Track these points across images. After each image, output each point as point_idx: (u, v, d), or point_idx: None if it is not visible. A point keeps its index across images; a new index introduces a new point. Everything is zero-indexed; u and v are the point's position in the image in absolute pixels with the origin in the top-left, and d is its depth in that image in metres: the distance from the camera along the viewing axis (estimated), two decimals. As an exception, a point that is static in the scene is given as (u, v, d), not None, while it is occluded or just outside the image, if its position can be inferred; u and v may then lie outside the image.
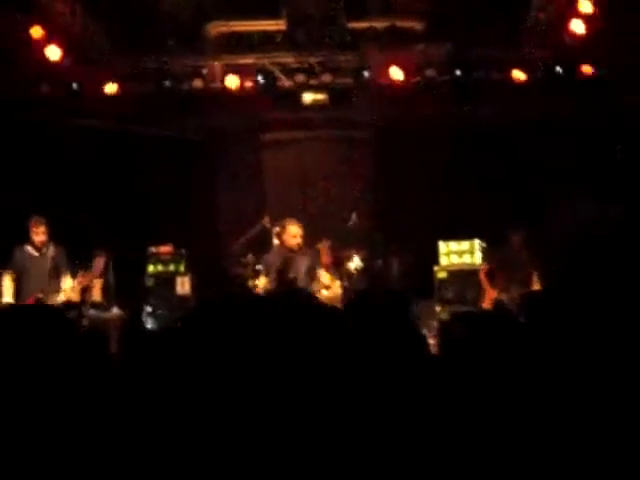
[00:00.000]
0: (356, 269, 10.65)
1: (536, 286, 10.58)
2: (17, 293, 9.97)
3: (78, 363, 3.84)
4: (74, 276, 10.09)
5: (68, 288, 9.97)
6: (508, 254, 11.05)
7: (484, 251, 12.32)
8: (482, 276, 11.15)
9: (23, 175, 12.13)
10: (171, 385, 3.28)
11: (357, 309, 4.09)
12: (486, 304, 10.71)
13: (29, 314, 3.95)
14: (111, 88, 12.44)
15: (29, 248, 10.13)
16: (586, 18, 11.34)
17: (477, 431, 2.90)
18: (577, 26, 11.60)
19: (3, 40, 11.03)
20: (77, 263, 10.28)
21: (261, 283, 10.29)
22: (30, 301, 9.78)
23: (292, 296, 4.44)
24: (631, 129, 11.98)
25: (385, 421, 3.00)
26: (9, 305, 9.24)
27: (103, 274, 11.09)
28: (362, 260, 11.35)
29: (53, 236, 10.22)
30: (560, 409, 2.94)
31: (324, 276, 10.13)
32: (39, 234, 10.07)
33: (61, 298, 9.95)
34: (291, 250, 10.24)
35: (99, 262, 10.27)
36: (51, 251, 10.15)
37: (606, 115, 11.98)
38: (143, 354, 3.67)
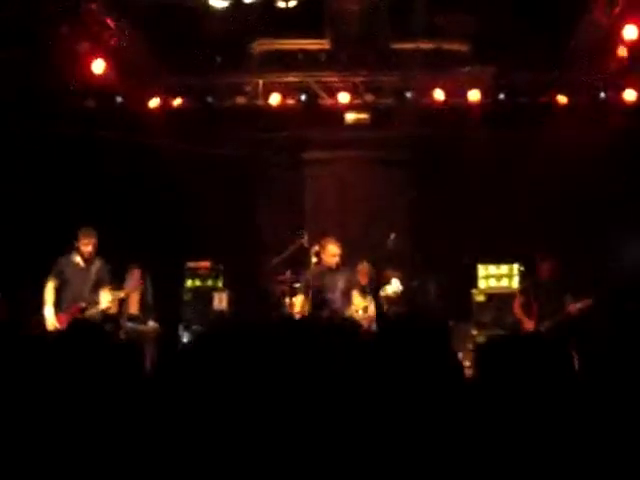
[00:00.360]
0: (395, 292, 10.61)
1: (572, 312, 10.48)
2: (58, 302, 10.09)
3: (114, 375, 3.87)
4: (112, 290, 10.19)
5: (106, 301, 10.04)
6: (539, 282, 10.98)
7: (521, 277, 12.24)
8: (516, 309, 11.09)
9: (68, 187, 12.27)
10: (201, 399, 3.29)
11: (394, 334, 4.07)
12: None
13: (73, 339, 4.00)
14: (155, 103, 12.55)
15: (76, 259, 10.23)
16: (630, 44, 11.23)
17: (511, 458, 2.86)
18: (622, 52, 11.51)
19: (51, 53, 11.16)
20: (113, 277, 10.40)
21: (298, 301, 10.31)
22: (73, 310, 9.89)
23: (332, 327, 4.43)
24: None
25: (420, 448, 2.99)
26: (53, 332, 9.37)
27: (140, 287, 11.18)
28: (401, 283, 11.31)
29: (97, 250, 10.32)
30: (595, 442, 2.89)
31: (357, 298, 10.13)
32: (88, 245, 10.17)
33: (99, 309, 10.04)
34: (329, 269, 10.25)
35: (134, 275, 10.36)
36: (96, 264, 10.23)
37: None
38: (176, 367, 3.68)
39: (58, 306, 10.04)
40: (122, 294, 10.29)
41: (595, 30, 11.37)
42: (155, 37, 11.73)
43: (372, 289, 10.88)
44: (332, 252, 10.22)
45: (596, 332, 9.41)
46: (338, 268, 10.25)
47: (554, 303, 10.63)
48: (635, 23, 10.76)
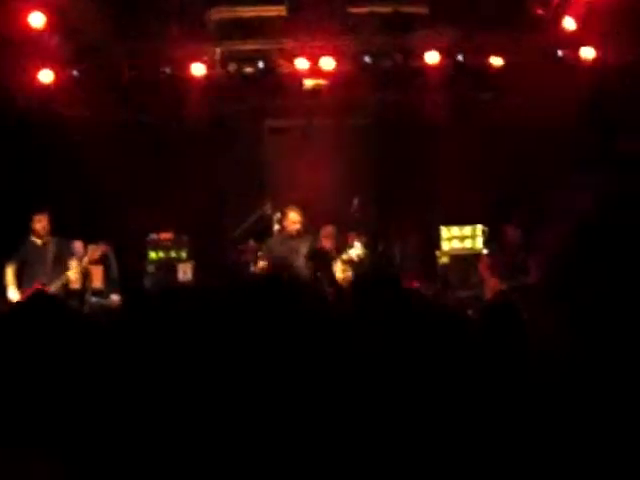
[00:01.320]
0: (358, 255, 10.61)
1: (533, 276, 10.54)
2: (20, 283, 10.20)
3: (79, 348, 3.85)
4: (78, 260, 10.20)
5: (71, 273, 10.05)
6: (504, 245, 11.03)
7: (485, 237, 12.28)
8: (482, 268, 11.12)
9: (22, 167, 12.11)
10: (162, 363, 3.27)
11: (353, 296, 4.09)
12: (488, 293, 10.66)
13: (32, 309, 3.97)
14: (113, 75, 12.40)
15: (32, 239, 10.30)
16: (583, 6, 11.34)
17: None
18: (569, 23, 11.65)
19: (3, 27, 11.01)
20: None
21: (260, 268, 10.33)
22: (35, 287, 9.87)
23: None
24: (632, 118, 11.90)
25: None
26: (14, 303, 9.37)
27: (103, 260, 11.13)
28: (364, 246, 11.31)
29: (54, 227, 10.33)
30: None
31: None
32: (41, 221, 10.29)
33: (63, 283, 10.05)
34: (291, 236, 10.26)
35: (95, 250, 10.30)
36: (53, 241, 10.30)
37: (607, 102, 11.90)
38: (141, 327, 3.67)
39: (21, 287, 10.11)
40: (86, 260, 10.24)
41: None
42: (110, 6, 11.62)
43: (336, 253, 10.88)
44: (293, 219, 10.25)
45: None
46: (300, 235, 10.27)
47: (518, 264, 10.71)
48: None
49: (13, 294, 10.02)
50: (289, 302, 3.61)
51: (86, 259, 10.21)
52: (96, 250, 10.22)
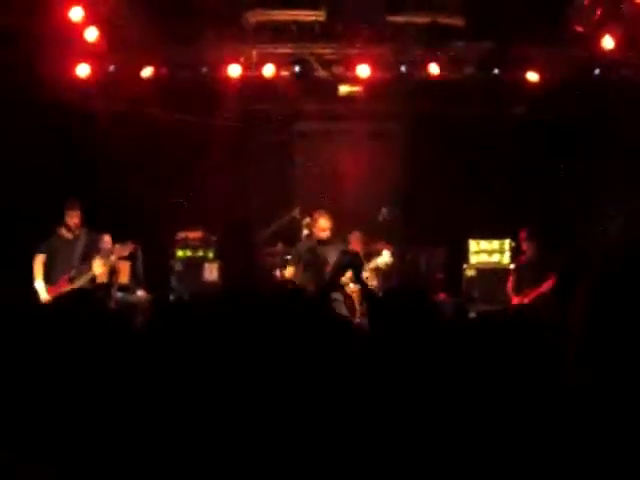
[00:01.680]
0: (386, 264, 10.58)
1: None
2: (48, 275, 10.20)
3: (104, 340, 3.89)
4: (103, 257, 10.21)
5: (98, 267, 10.07)
6: (523, 261, 11.10)
7: (513, 252, 12.25)
8: (509, 287, 11.18)
9: (57, 160, 12.17)
10: (187, 364, 3.30)
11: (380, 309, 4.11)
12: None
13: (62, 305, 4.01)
14: (147, 72, 12.47)
15: (63, 231, 10.35)
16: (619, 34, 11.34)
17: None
18: (608, 42, 11.62)
19: (43, 21, 11.08)
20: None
21: (289, 273, 10.32)
22: (61, 282, 9.98)
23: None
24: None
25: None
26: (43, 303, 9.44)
27: (131, 256, 11.17)
28: (391, 255, 11.29)
29: (84, 221, 10.38)
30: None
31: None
32: (73, 217, 10.30)
33: (89, 277, 10.08)
34: (320, 242, 10.26)
35: (122, 249, 10.32)
36: (83, 235, 10.33)
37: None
38: (165, 331, 3.70)
39: (48, 279, 10.15)
40: (113, 258, 10.26)
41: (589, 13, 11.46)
42: (149, 7, 11.68)
43: (362, 257, 10.88)
44: (323, 226, 10.24)
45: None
46: (329, 241, 10.27)
47: (537, 279, 10.70)
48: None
49: (40, 286, 10.05)
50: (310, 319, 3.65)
51: (113, 257, 10.23)
52: (123, 249, 10.24)
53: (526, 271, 10.88)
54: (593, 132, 12.07)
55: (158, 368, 3.42)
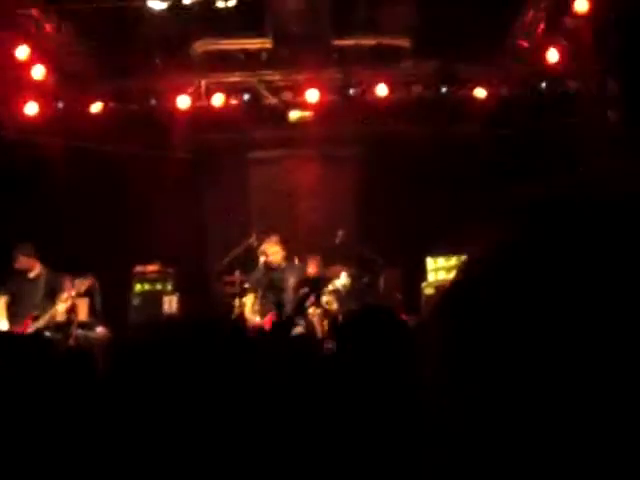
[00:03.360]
0: (344, 286, 10.60)
1: None
2: (12, 316, 10.11)
3: (62, 381, 3.83)
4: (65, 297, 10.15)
5: (63, 308, 10.01)
6: None
7: None
8: None
9: (9, 195, 12.07)
10: (155, 398, 3.26)
11: (347, 330, 4.08)
12: None
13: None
14: (97, 107, 12.45)
15: (23, 272, 10.21)
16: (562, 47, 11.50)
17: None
18: (552, 56, 11.78)
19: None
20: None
21: (249, 301, 10.31)
22: (26, 322, 9.88)
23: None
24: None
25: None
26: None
27: (89, 292, 11.10)
28: (349, 277, 11.31)
29: (41, 259, 10.30)
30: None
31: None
32: (27, 261, 10.17)
33: (52, 315, 10.00)
34: (274, 267, 10.26)
35: (82, 284, 10.26)
36: (43, 274, 10.24)
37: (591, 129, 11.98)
38: (127, 368, 3.65)
39: (13, 320, 10.05)
40: (73, 294, 10.19)
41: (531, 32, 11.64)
42: (95, 41, 11.67)
43: (321, 281, 10.89)
44: (273, 250, 10.26)
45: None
46: (280, 266, 10.28)
47: None
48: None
49: (3, 327, 9.94)
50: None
51: (73, 292, 10.16)
52: (83, 283, 10.18)
53: None
54: (544, 145, 12.16)
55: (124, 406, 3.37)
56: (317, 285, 10.82)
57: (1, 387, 3.54)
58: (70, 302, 10.25)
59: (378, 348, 3.78)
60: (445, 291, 0.88)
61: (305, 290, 10.40)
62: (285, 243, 10.40)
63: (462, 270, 0.88)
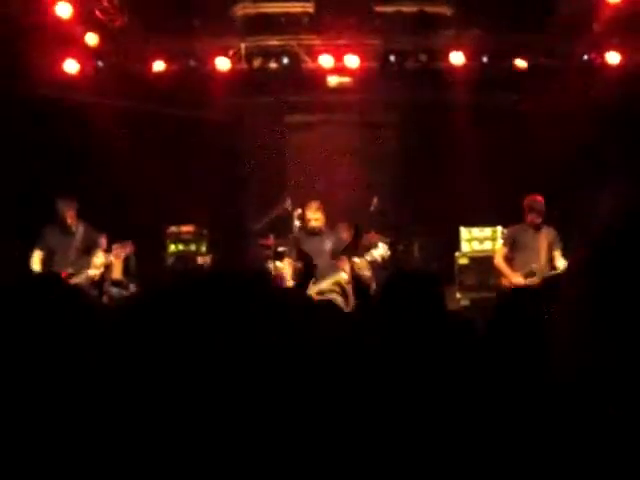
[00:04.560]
0: (382, 256, 10.49)
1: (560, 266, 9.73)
2: (46, 270, 10.05)
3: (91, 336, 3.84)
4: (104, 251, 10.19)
5: (99, 262, 10.03)
6: (525, 234, 10.17)
7: (502, 236, 12.01)
8: (499, 261, 10.42)
9: (49, 156, 12.13)
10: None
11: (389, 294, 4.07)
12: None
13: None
14: (137, 67, 12.46)
15: (60, 227, 10.26)
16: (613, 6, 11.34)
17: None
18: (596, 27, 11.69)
19: (33, 17, 11.07)
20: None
21: (286, 265, 10.30)
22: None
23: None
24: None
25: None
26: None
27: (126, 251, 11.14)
28: (388, 247, 11.23)
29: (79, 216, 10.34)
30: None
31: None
32: (67, 217, 10.20)
33: (88, 275, 10.03)
34: (313, 233, 10.25)
35: (121, 249, 10.28)
36: (80, 229, 10.27)
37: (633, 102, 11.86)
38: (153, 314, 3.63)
39: (47, 275, 10.07)
40: (111, 258, 10.24)
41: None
42: (137, 1, 11.68)
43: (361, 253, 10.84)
44: (310, 216, 10.23)
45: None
46: (322, 231, 10.26)
47: (542, 255, 9.94)
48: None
49: None
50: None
51: (111, 257, 10.19)
52: (123, 249, 10.19)
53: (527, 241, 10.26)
54: (581, 118, 12.06)
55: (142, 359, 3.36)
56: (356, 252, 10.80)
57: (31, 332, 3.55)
58: (106, 263, 10.29)
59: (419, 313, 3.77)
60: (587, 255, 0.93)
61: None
62: (323, 209, 10.37)
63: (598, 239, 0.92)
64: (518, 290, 5.15)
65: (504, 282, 10.27)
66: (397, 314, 3.85)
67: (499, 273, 10.47)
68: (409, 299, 3.88)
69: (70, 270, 10.02)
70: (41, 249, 10.16)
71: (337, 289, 9.92)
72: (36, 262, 10.09)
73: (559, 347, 2.57)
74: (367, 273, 10.34)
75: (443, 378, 3.14)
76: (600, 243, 2.19)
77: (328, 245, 10.14)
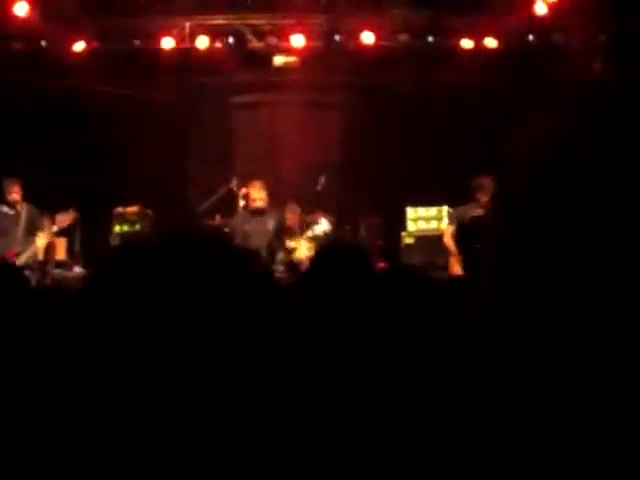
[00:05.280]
0: (324, 232, 10.54)
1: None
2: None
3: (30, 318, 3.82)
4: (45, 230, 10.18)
5: (43, 241, 10.03)
6: (476, 212, 10.25)
7: (449, 215, 12.09)
8: (448, 240, 10.72)
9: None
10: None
11: (320, 264, 4.06)
12: (456, 270, 10.24)
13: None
14: (80, 46, 12.33)
15: (4, 207, 10.34)
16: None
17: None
18: (540, 8, 11.77)
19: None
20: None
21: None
22: (7, 256, 9.90)
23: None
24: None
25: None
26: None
27: (68, 232, 11.09)
28: (329, 223, 11.27)
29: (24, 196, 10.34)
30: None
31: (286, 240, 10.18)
32: (12, 193, 10.24)
33: (33, 253, 10.02)
34: (256, 212, 10.26)
35: (64, 218, 10.26)
36: (25, 209, 10.30)
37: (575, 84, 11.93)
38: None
39: (-4, 254, 10.08)
40: (55, 229, 10.22)
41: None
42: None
43: (301, 230, 10.86)
44: (255, 196, 10.25)
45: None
46: (264, 212, 10.27)
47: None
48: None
49: None
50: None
51: (55, 227, 10.17)
52: (66, 218, 10.18)
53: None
54: (529, 97, 12.12)
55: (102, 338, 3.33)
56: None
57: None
58: (50, 238, 10.28)
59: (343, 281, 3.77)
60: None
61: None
62: (267, 188, 10.38)
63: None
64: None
65: (453, 262, 10.39)
66: (324, 283, 3.85)
67: (448, 253, 10.60)
68: (337, 270, 3.89)
69: (17, 249, 10.02)
70: None
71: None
72: None
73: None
74: (302, 256, 10.31)
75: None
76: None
77: (271, 224, 10.16)
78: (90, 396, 2.43)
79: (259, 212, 10.27)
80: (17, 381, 3.06)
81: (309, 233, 10.37)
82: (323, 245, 8.83)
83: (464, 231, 9.60)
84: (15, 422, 2.54)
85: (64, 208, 10.47)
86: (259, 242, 10.03)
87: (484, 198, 10.21)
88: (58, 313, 3.76)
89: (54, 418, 2.52)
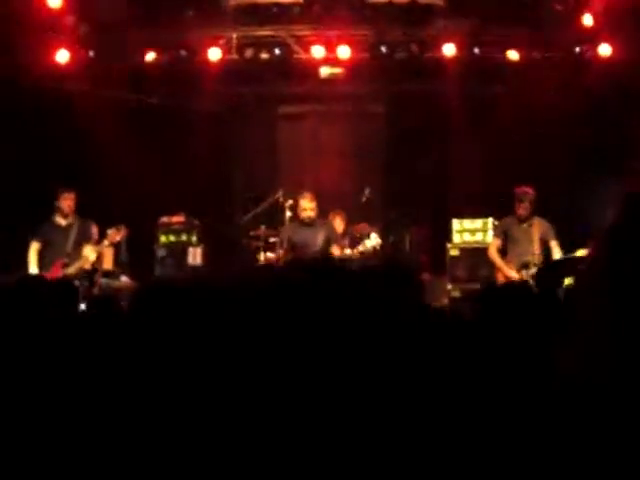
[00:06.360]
0: (374, 247, 10.51)
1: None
2: (42, 263, 10.25)
3: (84, 326, 3.86)
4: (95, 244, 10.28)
5: (91, 255, 10.11)
6: (516, 226, 10.36)
7: (494, 227, 12.02)
8: (492, 253, 10.60)
9: (35, 146, 12.10)
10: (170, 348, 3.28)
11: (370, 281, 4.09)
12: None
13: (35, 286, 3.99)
14: (127, 57, 12.42)
15: (57, 219, 10.47)
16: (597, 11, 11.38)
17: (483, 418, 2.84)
18: (587, 20, 11.68)
19: (20, 8, 11.06)
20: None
21: (274, 256, 10.34)
22: (55, 269, 10.02)
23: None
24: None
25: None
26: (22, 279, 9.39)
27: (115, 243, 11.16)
28: (379, 237, 11.24)
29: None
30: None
31: (336, 251, 10.18)
32: (68, 200, 10.41)
33: (82, 265, 10.11)
34: (305, 223, 10.28)
35: (115, 234, 10.33)
36: (77, 222, 10.43)
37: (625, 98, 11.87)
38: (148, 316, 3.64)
39: (43, 266, 10.20)
40: (106, 243, 10.30)
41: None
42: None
43: (353, 245, 10.89)
44: (306, 206, 10.27)
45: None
46: (314, 222, 10.29)
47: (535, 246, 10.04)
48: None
49: (35, 273, 10.05)
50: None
51: (106, 242, 10.26)
52: (117, 233, 10.26)
53: (519, 234, 10.38)
54: (574, 111, 12.07)
55: (142, 354, 3.39)
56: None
57: (25, 328, 3.57)
58: (100, 251, 10.39)
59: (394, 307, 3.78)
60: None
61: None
62: (316, 199, 10.41)
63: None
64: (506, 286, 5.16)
65: (498, 275, 10.37)
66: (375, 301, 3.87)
67: (493, 265, 10.57)
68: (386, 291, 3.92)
69: (65, 260, 10.11)
70: (37, 241, 10.27)
71: None
72: (32, 254, 10.23)
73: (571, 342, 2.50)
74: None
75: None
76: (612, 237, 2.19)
77: (321, 236, 10.18)
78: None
79: (309, 223, 10.28)
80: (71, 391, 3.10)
81: (360, 247, 10.36)
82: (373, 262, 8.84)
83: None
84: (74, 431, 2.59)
85: (110, 219, 10.55)
86: (308, 253, 10.05)
87: (520, 210, 10.23)
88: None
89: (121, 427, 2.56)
